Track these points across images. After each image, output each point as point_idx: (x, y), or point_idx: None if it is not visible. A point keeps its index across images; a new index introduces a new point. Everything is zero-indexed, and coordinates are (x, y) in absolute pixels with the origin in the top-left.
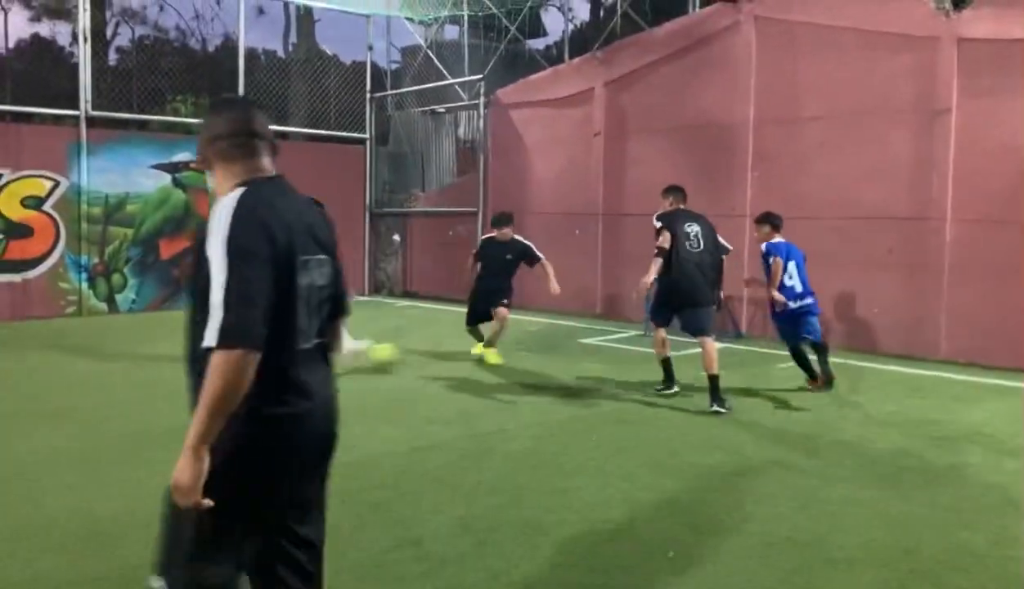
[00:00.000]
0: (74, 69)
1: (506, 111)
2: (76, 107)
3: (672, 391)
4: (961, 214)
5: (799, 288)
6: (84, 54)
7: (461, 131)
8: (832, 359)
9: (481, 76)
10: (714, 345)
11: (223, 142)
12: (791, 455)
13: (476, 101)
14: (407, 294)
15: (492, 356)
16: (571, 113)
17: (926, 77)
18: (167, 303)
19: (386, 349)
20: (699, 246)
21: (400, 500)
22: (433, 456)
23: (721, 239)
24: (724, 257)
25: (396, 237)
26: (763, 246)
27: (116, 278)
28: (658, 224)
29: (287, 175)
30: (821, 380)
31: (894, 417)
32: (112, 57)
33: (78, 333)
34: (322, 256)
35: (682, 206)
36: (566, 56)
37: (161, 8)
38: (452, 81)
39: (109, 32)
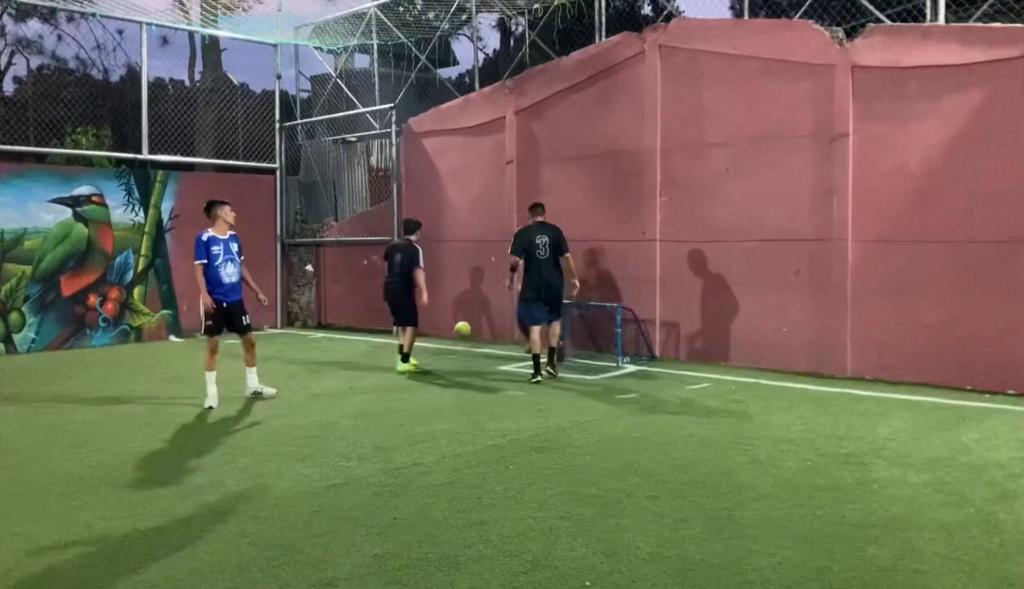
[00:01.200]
0: None
1: (418, 139)
2: None
3: (537, 380)
4: (861, 234)
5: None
6: None
7: (373, 160)
8: (744, 379)
9: (392, 105)
10: (557, 325)
11: None
12: (705, 476)
13: (388, 130)
14: (322, 326)
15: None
16: (483, 141)
17: (824, 103)
18: (69, 342)
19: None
20: (546, 253)
21: (313, 541)
22: (347, 493)
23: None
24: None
25: (309, 267)
26: None
27: (14, 316)
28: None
29: (195, 206)
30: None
31: (804, 435)
32: (8, 87)
33: None
34: None
35: (540, 219)
36: (476, 85)
37: (60, 38)
38: (363, 110)
39: (3, 62)
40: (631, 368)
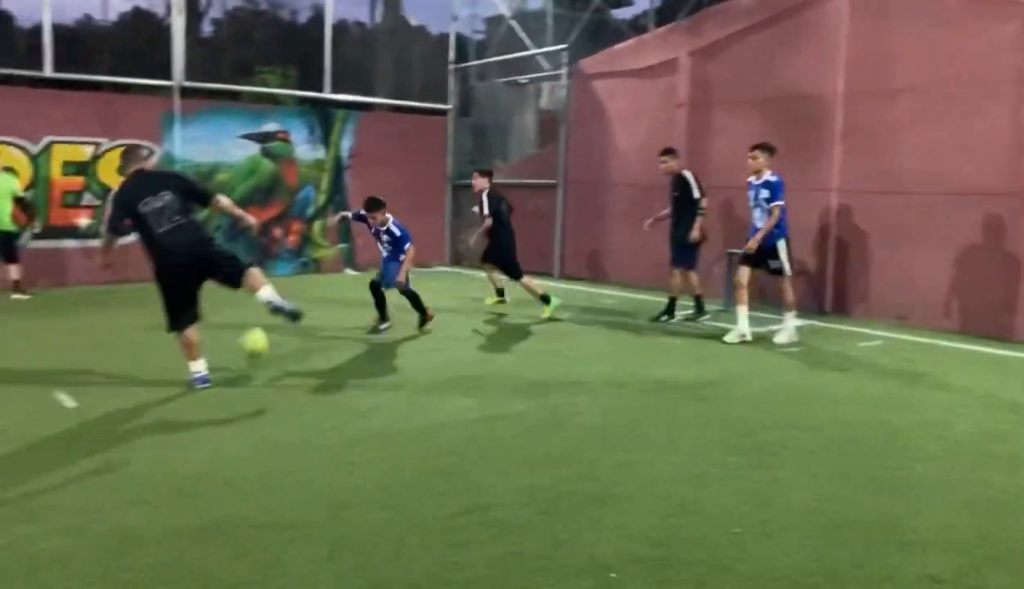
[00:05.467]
0: (168, 41)
1: (589, 82)
2: (170, 78)
3: (665, 319)
4: None
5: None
6: (178, 26)
7: (543, 102)
8: (919, 339)
9: (565, 46)
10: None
11: None
12: (869, 434)
13: (559, 71)
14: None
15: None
16: (654, 84)
17: None
18: None
19: (258, 340)
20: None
21: (469, 467)
22: (504, 426)
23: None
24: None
25: (476, 208)
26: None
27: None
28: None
29: (371, 145)
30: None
31: (981, 400)
32: (206, 29)
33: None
34: None
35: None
36: (651, 25)
37: None
38: (535, 51)
39: (203, 4)
40: (798, 322)
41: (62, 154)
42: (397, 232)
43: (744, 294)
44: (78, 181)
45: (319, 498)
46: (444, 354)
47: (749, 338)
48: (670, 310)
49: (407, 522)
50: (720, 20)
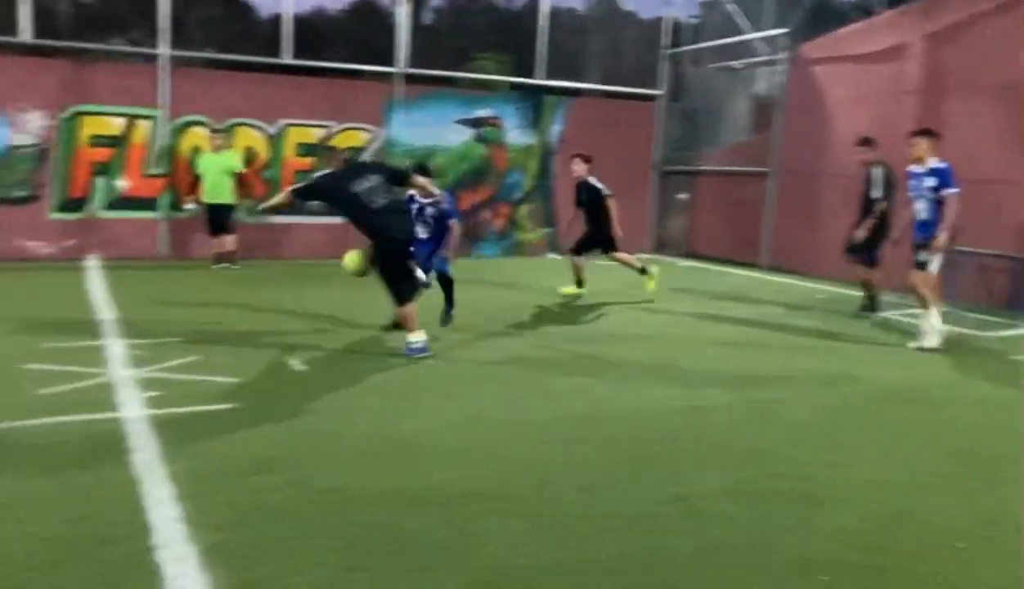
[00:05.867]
0: (394, 29)
1: (808, 67)
2: (395, 65)
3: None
4: None
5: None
6: (403, 15)
7: (757, 88)
8: None
9: (787, 30)
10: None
11: None
12: None
13: (776, 56)
14: (689, 254)
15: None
16: (881, 69)
17: None
18: (462, 250)
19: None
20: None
21: (672, 456)
22: (708, 417)
23: None
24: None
25: (682, 196)
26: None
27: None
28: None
29: (579, 131)
30: None
31: None
32: (427, 17)
33: None
34: None
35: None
36: (880, 8)
37: None
38: (754, 35)
39: None
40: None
41: (295, 136)
42: (447, 207)
43: (934, 295)
44: (307, 162)
45: (524, 473)
46: (651, 342)
47: (943, 342)
48: (871, 305)
49: (609, 505)
50: (961, 1)
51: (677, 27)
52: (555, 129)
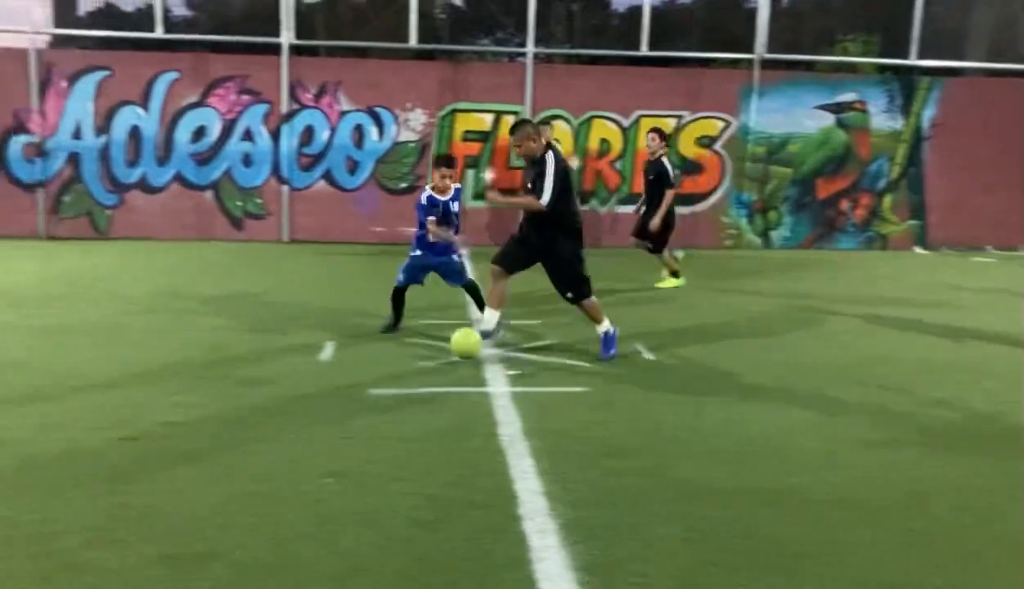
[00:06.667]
0: (750, 14)
1: None
2: (750, 51)
3: None
4: None
5: None
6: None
7: None
8: None
9: None
10: None
11: None
12: None
13: None
14: None
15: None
16: None
17: None
18: (817, 242)
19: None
20: None
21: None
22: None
23: None
24: None
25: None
26: None
27: (772, 215)
28: None
29: (956, 114)
30: None
31: None
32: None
33: (735, 265)
34: None
35: None
36: None
37: None
38: None
39: None
40: None
41: (649, 126)
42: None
43: None
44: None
45: (893, 483)
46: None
47: None
48: None
49: (988, 528)
50: None
51: None
52: (927, 113)
